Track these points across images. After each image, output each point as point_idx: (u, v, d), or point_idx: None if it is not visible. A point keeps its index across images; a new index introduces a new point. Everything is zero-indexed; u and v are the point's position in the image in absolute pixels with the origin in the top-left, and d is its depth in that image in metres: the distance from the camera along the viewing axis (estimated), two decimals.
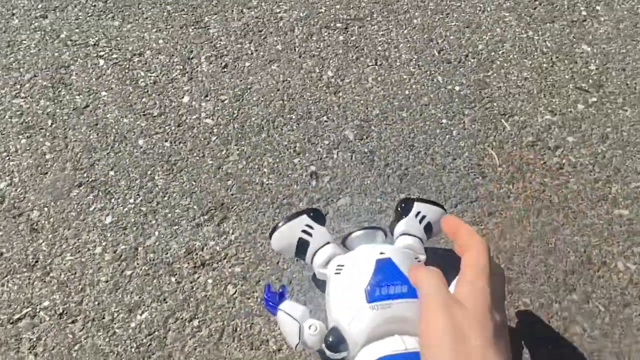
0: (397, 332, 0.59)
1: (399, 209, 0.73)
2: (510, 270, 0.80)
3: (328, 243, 0.69)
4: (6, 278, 0.77)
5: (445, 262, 0.63)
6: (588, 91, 1.02)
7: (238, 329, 0.74)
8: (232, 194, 0.87)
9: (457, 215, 0.85)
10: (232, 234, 0.83)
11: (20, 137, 0.92)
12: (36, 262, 0.79)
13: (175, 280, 0.78)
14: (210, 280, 0.78)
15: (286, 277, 0.78)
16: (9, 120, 0.94)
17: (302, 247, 0.69)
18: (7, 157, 0.90)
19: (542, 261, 0.81)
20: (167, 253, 0.80)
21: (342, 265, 0.65)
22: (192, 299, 0.76)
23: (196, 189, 0.87)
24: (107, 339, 0.72)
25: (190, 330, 0.74)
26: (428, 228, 0.71)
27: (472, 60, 1.06)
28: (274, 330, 0.73)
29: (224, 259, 0.80)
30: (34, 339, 0.72)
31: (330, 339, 0.60)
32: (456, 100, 1.00)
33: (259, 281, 0.78)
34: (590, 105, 1.00)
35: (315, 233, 0.69)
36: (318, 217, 0.71)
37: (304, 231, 0.69)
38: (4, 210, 0.84)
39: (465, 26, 1.12)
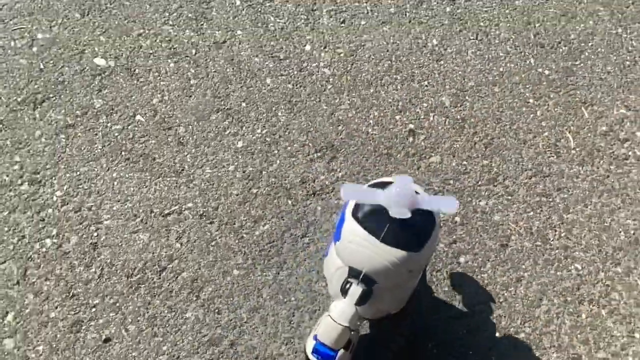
0: None
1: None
2: (568, 240, 0.95)
3: None
4: (158, 179, 0.95)
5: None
6: None
7: None
8: (341, 138, 1.02)
9: (529, 188, 0.99)
10: (339, 171, 0.99)
11: (169, 60, 1.08)
12: (182, 170, 0.96)
13: (292, 203, 0.95)
14: (319, 208, 0.95)
15: None
16: (160, 44, 1.10)
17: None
18: (159, 77, 1.06)
19: (597, 236, 0.96)
20: (285, 180, 0.97)
21: None
22: (304, 220, 0.93)
23: (312, 129, 1.03)
24: (236, 241, 0.91)
25: (301, 244, 0.91)
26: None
27: (564, 48, 1.18)
28: None
29: (331, 191, 0.97)
30: (180, 232, 0.91)
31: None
32: (544, 83, 1.12)
33: None
34: None
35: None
36: None
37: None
38: (156, 122, 1.01)
39: (561, 14, 1.22)
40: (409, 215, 0.64)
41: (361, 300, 0.69)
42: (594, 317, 0.88)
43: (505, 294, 0.90)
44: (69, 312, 0.83)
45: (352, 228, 0.67)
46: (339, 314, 0.70)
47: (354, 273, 0.69)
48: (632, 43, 1.19)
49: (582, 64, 1.16)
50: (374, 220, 0.66)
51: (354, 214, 0.67)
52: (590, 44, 1.18)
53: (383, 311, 0.78)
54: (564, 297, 0.90)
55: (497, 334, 0.86)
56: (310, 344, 0.71)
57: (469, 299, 0.88)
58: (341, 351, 0.71)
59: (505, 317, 0.87)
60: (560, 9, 1.23)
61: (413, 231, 0.66)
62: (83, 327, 0.82)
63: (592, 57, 1.17)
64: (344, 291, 0.70)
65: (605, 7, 1.24)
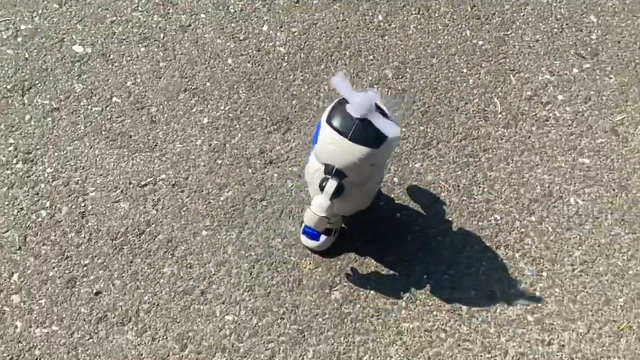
0: None
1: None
2: (490, 194, 1.10)
3: None
4: (135, 154, 1.10)
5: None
6: (584, 57, 1.26)
7: (292, 211, 1.07)
8: (295, 111, 1.17)
9: (459, 150, 1.14)
10: (293, 142, 1.13)
11: (140, 45, 1.21)
12: (155, 145, 1.11)
13: (251, 171, 1.10)
14: (275, 175, 1.10)
15: None
16: (131, 30, 1.23)
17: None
18: (131, 61, 1.19)
19: (515, 190, 1.11)
20: (246, 151, 1.12)
21: None
22: (262, 186, 1.09)
23: (269, 104, 1.17)
24: (204, 206, 1.06)
25: (260, 207, 1.07)
26: None
27: (498, 18, 1.30)
28: None
29: (286, 160, 1.12)
30: (155, 200, 1.06)
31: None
32: (477, 53, 1.26)
33: None
34: (583, 70, 1.25)
35: None
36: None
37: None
38: (130, 103, 1.15)
39: None
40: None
41: (336, 194, 0.87)
42: (508, 260, 1.05)
43: (434, 243, 1.06)
44: (64, 271, 0.99)
45: (326, 132, 0.84)
46: (316, 206, 0.88)
47: (328, 169, 0.86)
48: (560, 11, 1.32)
49: (513, 34, 1.29)
50: (343, 124, 0.83)
51: (328, 121, 0.84)
52: (522, 14, 1.31)
53: (354, 207, 0.97)
54: (483, 243, 1.06)
55: (425, 276, 1.03)
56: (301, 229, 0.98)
57: (403, 248, 1.05)
58: (324, 236, 0.98)
59: (432, 262, 1.04)
60: None
61: (373, 132, 0.82)
62: (77, 283, 0.98)
63: (523, 26, 1.30)
64: (322, 187, 0.87)
65: None
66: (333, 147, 0.84)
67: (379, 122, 0.82)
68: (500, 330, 0.98)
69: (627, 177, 1.13)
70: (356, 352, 0.96)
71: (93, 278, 0.99)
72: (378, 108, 0.83)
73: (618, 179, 1.13)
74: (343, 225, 1.05)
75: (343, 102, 0.83)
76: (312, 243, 1.01)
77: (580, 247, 1.06)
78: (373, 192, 0.99)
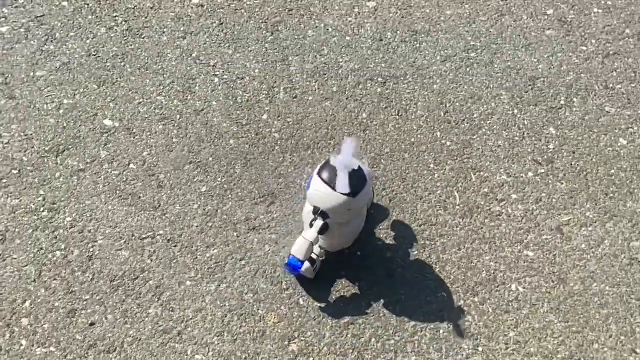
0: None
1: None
2: (441, 274, 1.26)
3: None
4: (140, 212, 1.31)
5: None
6: (540, 164, 1.44)
7: (266, 272, 1.24)
8: (280, 188, 1.36)
9: (418, 234, 1.32)
10: (275, 213, 1.33)
11: (159, 123, 1.45)
12: (159, 206, 1.32)
13: (236, 235, 1.29)
14: (256, 239, 1.29)
15: None
16: (153, 111, 1.47)
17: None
18: (150, 136, 1.42)
19: (464, 273, 1.27)
20: (234, 217, 1.31)
21: None
22: (243, 248, 1.27)
23: (259, 180, 1.37)
24: (192, 260, 1.25)
25: (239, 266, 1.25)
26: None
27: (467, 124, 1.50)
28: (287, 277, 1.24)
29: (267, 228, 1.30)
30: (152, 251, 1.26)
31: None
32: (445, 152, 1.45)
33: (284, 247, 1.28)
34: (538, 175, 1.43)
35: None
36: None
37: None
38: (144, 169, 1.37)
39: (470, 97, 1.55)
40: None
41: (322, 230, 1.11)
42: (449, 333, 1.19)
43: (385, 311, 1.21)
44: (68, 303, 1.18)
45: (316, 181, 1.10)
46: (307, 235, 1.12)
47: (316, 210, 1.11)
48: (524, 122, 1.51)
49: (479, 138, 1.48)
50: (329, 177, 1.09)
51: (319, 173, 1.10)
52: (488, 122, 1.51)
53: (338, 245, 1.22)
54: (429, 317, 1.21)
55: (373, 340, 1.18)
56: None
57: (358, 310, 1.20)
58: (307, 264, 1.16)
59: (382, 328, 1.19)
60: (470, 92, 1.56)
61: (352, 185, 1.08)
62: (77, 314, 1.17)
63: (488, 132, 1.49)
64: (311, 225, 1.12)
65: (507, 91, 1.57)
66: (320, 194, 1.09)
67: (343, 179, 1.06)
68: None
69: (567, 271, 1.28)
70: None
71: (90, 311, 1.17)
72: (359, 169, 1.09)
73: (558, 272, 1.28)
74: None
75: (329, 162, 1.09)
76: (295, 270, 1.18)
77: (515, 329, 1.20)
78: (354, 234, 1.21)
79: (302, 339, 1.17)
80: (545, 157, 1.46)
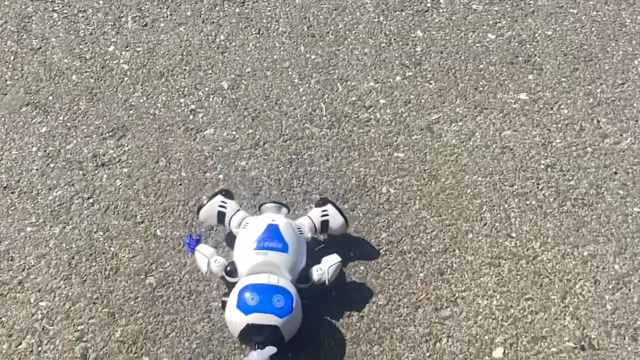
0: (269, 272, 0.97)
1: (318, 201, 1.09)
2: (309, 187, 1.19)
3: (239, 210, 1.06)
4: None
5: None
6: (408, 67, 1.38)
7: (118, 207, 1.14)
8: (132, 120, 1.25)
9: (283, 149, 1.23)
10: (127, 146, 1.22)
11: None
12: None
13: (82, 173, 1.18)
14: (105, 175, 1.18)
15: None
16: None
17: (221, 217, 1.06)
18: None
19: (332, 182, 1.20)
20: (79, 155, 1.20)
21: (247, 223, 1.03)
22: (91, 186, 1.16)
23: (107, 114, 1.26)
24: (32, 205, 1.13)
25: (86, 205, 1.14)
26: (324, 225, 1.06)
27: (331, 36, 1.42)
28: (142, 210, 1.13)
29: (118, 162, 1.20)
30: None
31: (228, 268, 0.99)
32: (310, 65, 1.37)
33: (138, 179, 1.17)
34: (406, 78, 1.36)
35: (228, 206, 1.06)
36: (228, 194, 1.07)
37: (220, 206, 1.06)
38: None
39: (334, 9, 1.47)
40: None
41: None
42: (314, 240, 1.12)
43: None
44: None
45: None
46: None
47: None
48: (390, 28, 1.45)
49: (344, 49, 1.41)
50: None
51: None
52: (354, 32, 1.44)
53: None
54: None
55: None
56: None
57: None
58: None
59: None
60: (333, 4, 1.48)
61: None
62: None
63: (354, 42, 1.42)
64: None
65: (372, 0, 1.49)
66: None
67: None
68: None
69: (438, 167, 1.23)
70: (163, 330, 1.01)
71: None
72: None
73: (429, 170, 1.22)
74: None
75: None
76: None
77: (387, 230, 1.14)
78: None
79: (161, 270, 1.07)
80: (413, 59, 1.40)
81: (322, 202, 1.08)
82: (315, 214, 1.07)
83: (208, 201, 1.06)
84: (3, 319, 1.00)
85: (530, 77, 1.38)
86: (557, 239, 1.12)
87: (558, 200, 1.18)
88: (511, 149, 1.26)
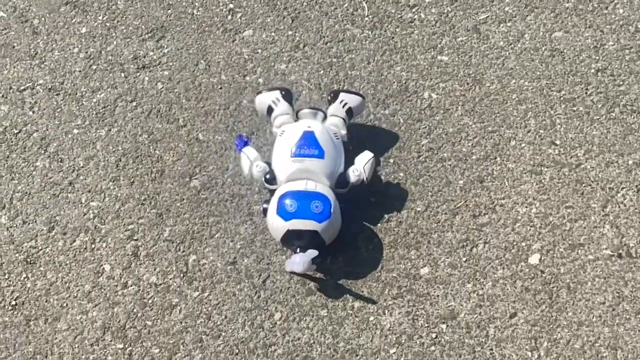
0: (306, 178, 0.98)
1: (329, 97, 1.08)
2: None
3: (285, 114, 1.06)
4: (16, 63, 1.19)
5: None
6: None
7: (160, 110, 1.15)
8: (170, 20, 1.24)
9: (324, 52, 1.21)
10: (166, 48, 1.21)
11: None
12: (36, 54, 1.19)
13: (124, 75, 1.18)
14: (147, 78, 1.18)
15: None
16: None
17: (269, 111, 1.07)
18: None
19: (373, 87, 1.18)
20: (120, 57, 1.20)
21: (284, 131, 1.03)
22: (133, 89, 1.17)
23: (145, 14, 1.24)
24: (77, 107, 1.15)
25: (130, 107, 1.15)
26: (349, 112, 1.07)
27: None
28: (184, 113, 1.15)
29: (158, 65, 1.19)
30: (33, 102, 1.15)
31: (267, 176, 1.01)
32: None
33: (179, 82, 1.18)
34: None
35: (279, 105, 1.06)
36: (287, 94, 1.07)
37: (272, 101, 1.06)
38: (15, 17, 1.23)
39: None
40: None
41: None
42: (354, 145, 1.12)
43: None
44: None
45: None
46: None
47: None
48: None
49: None
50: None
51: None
52: None
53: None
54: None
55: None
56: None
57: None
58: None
59: None
60: None
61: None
62: None
63: None
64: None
65: None
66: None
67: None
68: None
69: (483, 71, 1.19)
70: (209, 231, 1.05)
71: None
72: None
73: (474, 74, 1.19)
74: None
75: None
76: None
77: (428, 136, 1.13)
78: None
79: (204, 173, 1.10)
80: None
81: (334, 95, 1.08)
82: (337, 108, 1.07)
83: (267, 92, 1.07)
84: (57, 218, 1.06)
85: None
86: (602, 146, 1.10)
87: (606, 107, 1.14)
88: (561, 52, 1.21)
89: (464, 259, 1.01)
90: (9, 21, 1.22)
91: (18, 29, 1.21)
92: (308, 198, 0.97)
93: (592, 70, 1.18)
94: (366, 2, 1.26)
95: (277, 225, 0.97)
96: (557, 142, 1.12)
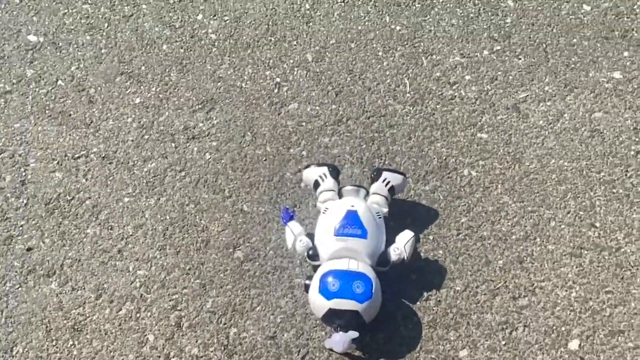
0: (349, 257, 1.02)
1: (372, 175, 1.12)
2: (390, 166, 1.20)
3: (331, 190, 1.10)
4: (72, 131, 1.24)
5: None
6: (497, 40, 1.34)
7: (208, 181, 1.19)
8: (219, 92, 1.29)
9: (366, 127, 1.24)
10: (215, 119, 1.26)
11: (86, 34, 1.35)
12: (91, 123, 1.25)
13: (175, 145, 1.23)
14: (195, 148, 1.23)
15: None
16: (79, 20, 1.37)
17: (316, 185, 1.11)
18: (77, 48, 1.34)
19: (414, 162, 1.21)
20: (171, 127, 1.25)
21: (327, 208, 1.07)
22: (182, 159, 1.22)
23: (196, 86, 1.30)
24: (129, 176, 1.20)
25: (179, 177, 1.20)
26: (391, 190, 1.10)
27: (417, 5, 1.39)
28: (230, 184, 1.18)
29: (207, 135, 1.24)
30: (86, 170, 1.20)
31: (310, 252, 1.04)
32: (394, 37, 1.35)
33: (226, 153, 1.22)
34: (494, 52, 1.33)
35: (326, 181, 1.10)
36: (334, 171, 1.11)
37: (320, 176, 1.10)
38: (72, 85, 1.29)
39: None
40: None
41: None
42: (395, 220, 1.15)
43: None
44: (3, 230, 1.15)
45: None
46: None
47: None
48: None
49: (430, 19, 1.37)
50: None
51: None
52: (441, 0, 1.40)
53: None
54: None
55: None
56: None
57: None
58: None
59: None
60: None
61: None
62: (13, 241, 1.14)
63: (441, 12, 1.38)
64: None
65: None
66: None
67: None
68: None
69: (523, 150, 1.21)
70: (250, 303, 1.07)
71: (27, 236, 1.14)
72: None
73: (513, 152, 1.21)
74: None
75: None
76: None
77: (467, 214, 1.15)
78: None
79: (248, 244, 1.13)
80: (502, 32, 1.35)
81: (377, 173, 1.11)
82: (379, 187, 1.10)
83: (316, 167, 1.11)
84: (105, 285, 1.09)
85: (626, 54, 1.31)
86: None
87: None
88: (601, 133, 1.22)
89: (503, 342, 1.01)
90: (67, 90, 1.29)
91: (75, 98, 1.28)
92: (350, 278, 0.99)
93: (632, 152, 1.19)
94: (408, 79, 1.30)
95: (319, 304, 0.99)
96: (597, 224, 1.12)
